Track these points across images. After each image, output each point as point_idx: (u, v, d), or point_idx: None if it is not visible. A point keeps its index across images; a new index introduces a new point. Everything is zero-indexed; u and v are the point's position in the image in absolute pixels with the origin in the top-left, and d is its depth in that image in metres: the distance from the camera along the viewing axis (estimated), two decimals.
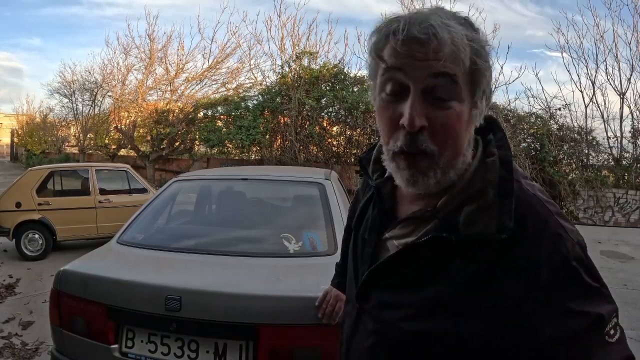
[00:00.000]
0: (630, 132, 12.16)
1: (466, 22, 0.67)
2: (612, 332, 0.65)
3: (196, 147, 15.63)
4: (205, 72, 16.08)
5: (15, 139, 28.79)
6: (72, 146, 21.93)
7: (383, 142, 0.74)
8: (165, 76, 16.24)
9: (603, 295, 0.66)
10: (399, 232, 0.78)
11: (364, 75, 11.85)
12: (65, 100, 19.99)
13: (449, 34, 0.63)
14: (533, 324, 0.63)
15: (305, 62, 13.07)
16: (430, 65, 0.64)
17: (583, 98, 13.10)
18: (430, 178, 0.69)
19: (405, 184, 0.72)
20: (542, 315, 0.63)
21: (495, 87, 12.14)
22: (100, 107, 19.02)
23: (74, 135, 20.78)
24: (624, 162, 12.00)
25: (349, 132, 12.57)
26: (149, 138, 16.13)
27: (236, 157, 13.79)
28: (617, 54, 12.76)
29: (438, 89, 0.65)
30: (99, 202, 6.31)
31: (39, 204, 5.98)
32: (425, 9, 0.67)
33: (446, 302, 0.68)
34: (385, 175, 0.82)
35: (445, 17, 0.65)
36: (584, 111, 12.66)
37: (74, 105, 19.53)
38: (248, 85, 15.15)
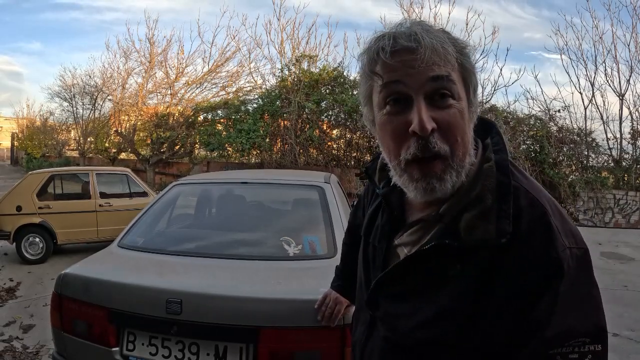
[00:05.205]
0: (629, 133, 12.15)
1: (444, 31, 0.71)
2: (571, 356, 0.61)
3: (196, 151, 15.64)
4: (205, 76, 16.14)
5: (16, 143, 28.86)
6: (73, 150, 22.02)
7: (390, 157, 0.73)
8: (165, 80, 16.31)
9: (581, 309, 0.63)
10: (407, 239, 0.79)
11: None
12: (65, 103, 20.16)
13: (434, 38, 0.67)
14: (525, 327, 0.63)
15: (304, 65, 13.09)
16: (425, 71, 0.66)
17: (582, 100, 13.09)
18: (447, 182, 0.69)
19: (421, 194, 0.71)
20: (530, 320, 0.63)
21: (494, 90, 12.14)
22: (100, 110, 19.14)
23: (74, 139, 20.87)
24: (623, 164, 11.99)
25: (348, 135, 12.58)
26: (149, 142, 16.16)
27: (236, 161, 13.80)
28: (616, 56, 12.74)
29: (438, 91, 0.67)
30: (100, 205, 6.32)
31: (40, 208, 5.99)
32: (406, 22, 0.71)
33: (452, 308, 0.68)
34: (392, 183, 0.83)
35: (426, 26, 0.70)
36: (584, 113, 12.64)
37: (74, 108, 19.67)
38: (248, 88, 15.23)
